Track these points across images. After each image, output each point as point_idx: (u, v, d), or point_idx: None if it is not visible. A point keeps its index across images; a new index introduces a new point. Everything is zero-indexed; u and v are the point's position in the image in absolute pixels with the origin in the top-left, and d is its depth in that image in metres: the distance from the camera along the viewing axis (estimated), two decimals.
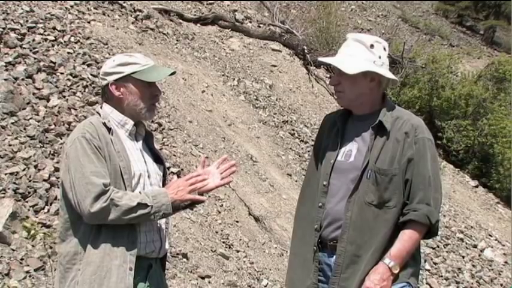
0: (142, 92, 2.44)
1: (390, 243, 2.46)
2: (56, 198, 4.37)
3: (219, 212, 5.78)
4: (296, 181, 7.54)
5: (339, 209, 2.52)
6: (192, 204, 2.56)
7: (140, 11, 8.87)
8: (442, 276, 7.47)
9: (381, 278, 2.41)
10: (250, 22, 11.92)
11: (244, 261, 5.38)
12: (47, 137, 4.87)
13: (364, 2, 19.06)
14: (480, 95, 12.29)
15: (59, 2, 7.22)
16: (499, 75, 13.02)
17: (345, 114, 2.65)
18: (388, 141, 2.49)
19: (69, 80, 5.72)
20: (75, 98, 5.55)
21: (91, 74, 5.96)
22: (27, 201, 4.27)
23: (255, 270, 5.36)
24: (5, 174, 4.34)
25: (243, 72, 9.71)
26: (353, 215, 2.48)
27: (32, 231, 4.08)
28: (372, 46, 2.53)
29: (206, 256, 5.07)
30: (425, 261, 7.50)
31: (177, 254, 4.81)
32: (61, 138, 4.96)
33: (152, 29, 8.73)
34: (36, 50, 5.85)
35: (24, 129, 4.83)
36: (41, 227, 4.17)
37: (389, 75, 2.56)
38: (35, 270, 3.90)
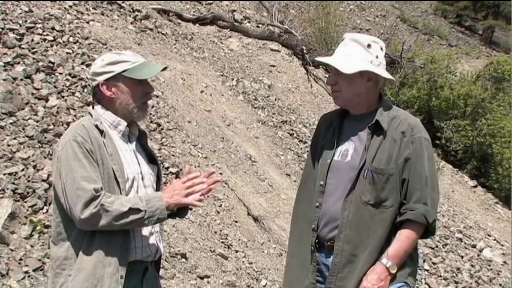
0: (134, 90, 2.37)
1: (387, 243, 2.46)
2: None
3: (218, 212, 5.78)
4: (295, 181, 7.54)
5: (335, 209, 2.52)
6: (184, 209, 2.47)
7: (139, 11, 8.87)
8: (441, 276, 7.48)
9: (379, 278, 2.41)
10: (249, 22, 11.92)
11: (243, 261, 5.38)
12: (45, 137, 4.87)
13: (363, 2, 19.08)
14: (479, 95, 12.29)
15: (57, 2, 7.22)
16: (498, 75, 13.03)
17: (342, 114, 2.65)
18: (384, 140, 2.49)
19: (68, 80, 5.72)
20: (74, 98, 5.55)
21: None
22: (26, 202, 4.27)
23: (254, 270, 5.36)
24: (4, 174, 4.34)
25: (242, 72, 9.71)
26: (350, 215, 2.48)
27: (38, 227, 4.09)
28: (369, 46, 2.54)
29: (205, 256, 5.07)
30: (424, 261, 7.50)
31: (176, 254, 4.81)
32: (60, 139, 4.96)
33: (151, 29, 8.73)
34: (35, 50, 5.85)
35: (23, 129, 4.83)
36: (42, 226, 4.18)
37: (386, 75, 2.56)
38: (34, 270, 3.90)
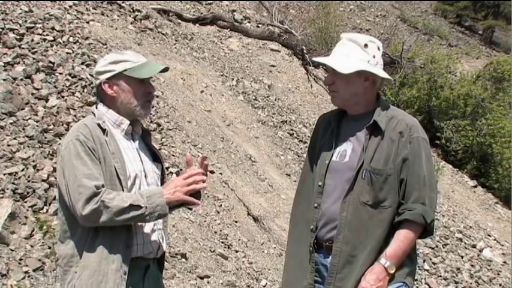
0: (135, 89, 2.41)
1: (386, 243, 2.46)
2: (54, 199, 4.38)
3: (218, 212, 5.78)
4: (295, 181, 7.54)
5: (334, 210, 2.52)
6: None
7: (139, 11, 8.87)
8: (441, 276, 7.48)
9: (377, 278, 2.41)
10: (249, 22, 11.93)
11: (243, 261, 5.38)
12: (45, 137, 4.87)
13: (363, 2, 19.09)
14: (479, 95, 12.30)
15: (57, 2, 7.22)
16: (498, 75, 13.03)
17: (340, 114, 2.65)
18: (382, 141, 2.49)
19: (68, 80, 5.72)
20: (74, 98, 5.56)
21: (90, 74, 5.96)
22: (26, 202, 4.28)
23: (254, 270, 5.36)
24: (4, 174, 4.34)
25: (242, 72, 9.72)
26: (348, 215, 2.48)
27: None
28: (366, 46, 2.53)
29: (205, 256, 5.07)
30: (424, 261, 7.50)
31: (176, 254, 4.82)
32: (60, 139, 4.96)
33: (151, 29, 8.73)
34: (35, 50, 5.85)
35: (23, 129, 4.83)
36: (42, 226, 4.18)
37: (384, 74, 2.56)
38: (34, 270, 3.90)
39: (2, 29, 5.86)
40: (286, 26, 12.00)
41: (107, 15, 8.06)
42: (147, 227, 2.41)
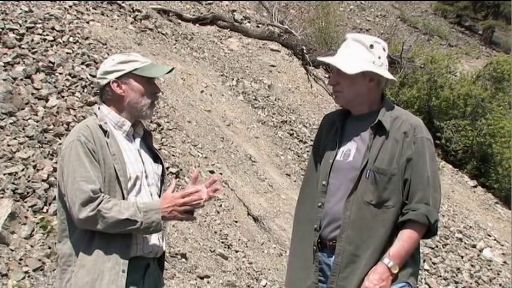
0: (144, 88, 2.45)
1: (389, 243, 2.45)
2: (54, 199, 4.38)
3: (218, 212, 5.78)
4: (295, 181, 7.54)
5: (338, 209, 2.52)
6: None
7: (139, 11, 8.87)
8: (441, 276, 7.48)
9: (380, 278, 2.40)
10: (249, 22, 11.92)
11: (243, 261, 5.38)
12: (45, 137, 4.87)
13: (363, 2, 19.09)
14: (479, 95, 12.30)
15: (57, 2, 7.22)
16: (498, 75, 13.03)
17: (344, 114, 2.65)
18: (387, 141, 2.48)
19: (68, 80, 5.72)
20: (74, 98, 5.55)
21: (90, 74, 5.96)
22: (26, 202, 4.28)
23: (254, 270, 5.36)
24: (4, 174, 4.34)
25: (242, 72, 9.72)
26: (352, 215, 2.48)
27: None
28: (371, 46, 2.53)
29: (205, 256, 5.07)
30: (424, 261, 7.50)
31: (176, 254, 4.82)
32: (60, 139, 4.96)
33: (151, 29, 8.73)
34: (35, 50, 5.85)
35: (23, 129, 4.83)
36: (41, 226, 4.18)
37: (388, 75, 2.56)
38: (34, 270, 3.90)
39: (2, 29, 5.86)
40: (286, 26, 12.00)
41: (107, 15, 8.06)
42: None
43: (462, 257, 8.17)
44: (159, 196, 2.52)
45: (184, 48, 9.12)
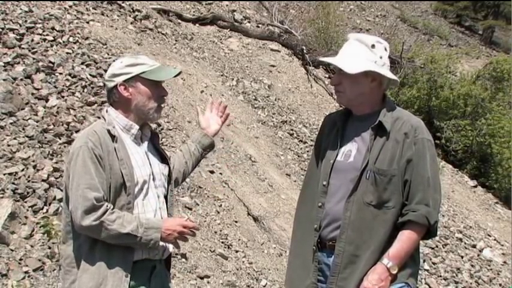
0: (150, 92, 2.46)
1: (389, 244, 2.45)
2: (54, 199, 4.38)
3: (218, 212, 5.78)
4: (295, 181, 7.54)
5: (338, 209, 2.52)
6: None
7: (139, 11, 8.87)
8: (441, 276, 7.48)
9: (379, 278, 2.40)
10: (249, 22, 11.92)
11: (243, 261, 5.38)
12: (45, 137, 4.87)
13: (363, 2, 19.09)
14: (479, 95, 12.30)
15: (57, 2, 7.22)
16: (498, 75, 13.03)
17: (346, 114, 2.65)
18: (387, 141, 2.48)
19: (67, 80, 5.72)
20: (74, 98, 5.56)
21: (90, 74, 5.96)
22: (26, 202, 4.28)
23: (254, 270, 5.36)
24: (4, 174, 4.34)
25: (242, 73, 9.72)
26: (352, 215, 2.48)
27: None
28: (373, 46, 2.53)
29: (205, 256, 5.07)
30: (424, 261, 7.50)
31: (176, 254, 4.82)
32: (60, 139, 4.96)
33: (151, 29, 8.73)
34: (35, 50, 5.85)
35: (23, 129, 4.83)
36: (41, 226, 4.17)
37: (390, 75, 2.56)
38: (34, 270, 3.90)
39: (2, 29, 5.86)
40: (286, 26, 12.00)
41: (107, 15, 8.06)
42: None
43: (462, 257, 8.17)
44: (166, 198, 2.55)
45: (184, 48, 9.12)
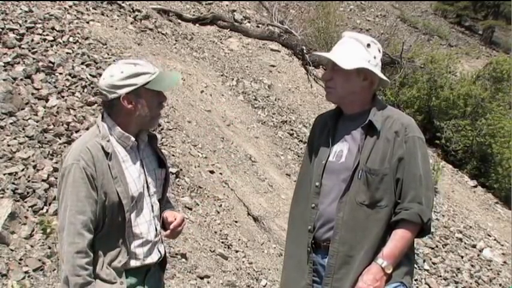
0: (152, 101, 2.38)
1: (383, 243, 2.45)
2: (54, 199, 4.38)
3: (218, 212, 5.78)
4: (295, 181, 7.51)
5: (331, 210, 2.52)
6: None
7: (139, 11, 8.87)
8: (441, 276, 7.48)
9: (374, 278, 2.40)
10: (249, 22, 11.93)
11: (243, 261, 5.38)
12: (45, 137, 4.88)
13: (363, 2, 19.09)
14: (479, 95, 12.30)
15: (57, 2, 7.22)
16: (498, 75, 13.02)
17: (337, 114, 2.65)
18: (378, 140, 2.48)
19: (68, 80, 5.72)
20: (74, 98, 5.56)
21: (90, 74, 5.96)
22: (26, 202, 4.28)
23: (254, 270, 5.36)
24: (4, 174, 4.34)
25: (242, 73, 9.72)
26: (345, 216, 2.48)
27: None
28: (368, 45, 2.54)
29: (205, 256, 5.07)
30: (424, 261, 7.51)
31: (176, 254, 4.82)
32: (60, 139, 4.96)
33: (151, 29, 8.73)
34: (35, 50, 5.86)
35: (23, 129, 4.83)
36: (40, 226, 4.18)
37: (382, 76, 2.57)
38: (34, 270, 3.90)
39: (2, 29, 5.87)
40: (286, 26, 12.00)
41: (107, 15, 8.06)
42: (144, 240, 2.44)
43: (462, 257, 8.17)
44: (160, 202, 2.54)
45: (184, 48, 9.13)
